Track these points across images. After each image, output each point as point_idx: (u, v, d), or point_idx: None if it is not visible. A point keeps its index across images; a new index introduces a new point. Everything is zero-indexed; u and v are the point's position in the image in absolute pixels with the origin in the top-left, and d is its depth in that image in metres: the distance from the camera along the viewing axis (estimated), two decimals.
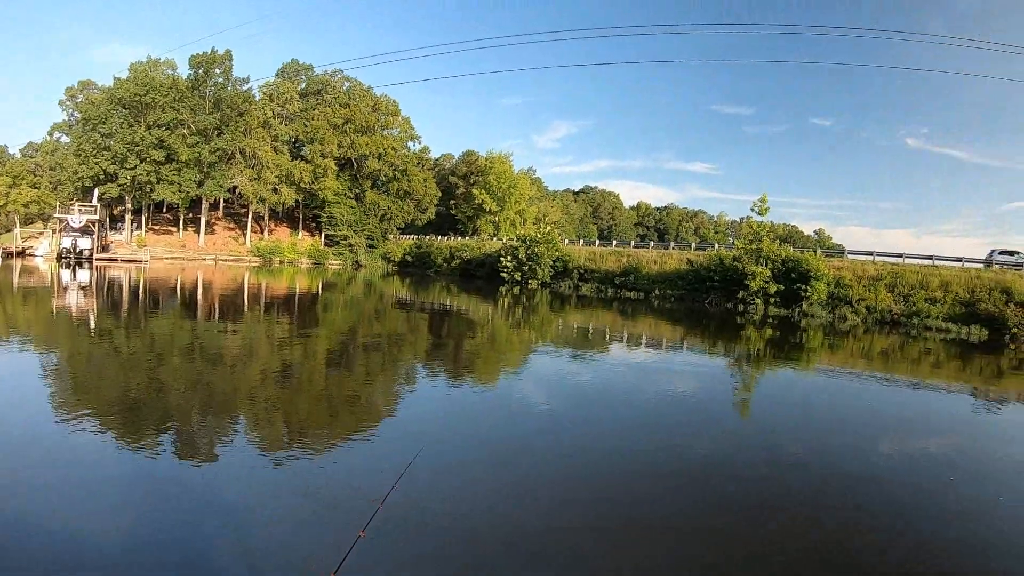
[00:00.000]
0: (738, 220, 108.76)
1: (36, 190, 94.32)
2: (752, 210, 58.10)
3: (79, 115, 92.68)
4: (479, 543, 7.62)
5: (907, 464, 12.30)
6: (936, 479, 11.30)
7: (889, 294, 49.83)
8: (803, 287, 50.87)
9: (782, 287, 52.08)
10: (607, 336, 32.64)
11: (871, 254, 58.74)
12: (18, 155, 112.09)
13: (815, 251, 59.48)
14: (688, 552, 7.78)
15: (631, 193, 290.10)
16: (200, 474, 9.03)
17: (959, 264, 53.77)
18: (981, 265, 53.19)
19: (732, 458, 11.68)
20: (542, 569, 7.13)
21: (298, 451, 10.39)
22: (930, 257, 55.82)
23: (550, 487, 9.64)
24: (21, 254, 75.11)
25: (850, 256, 60.97)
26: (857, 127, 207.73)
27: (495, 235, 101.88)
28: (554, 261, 70.77)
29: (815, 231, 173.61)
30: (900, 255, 56.85)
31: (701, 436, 13.17)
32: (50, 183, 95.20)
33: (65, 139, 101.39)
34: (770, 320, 46.03)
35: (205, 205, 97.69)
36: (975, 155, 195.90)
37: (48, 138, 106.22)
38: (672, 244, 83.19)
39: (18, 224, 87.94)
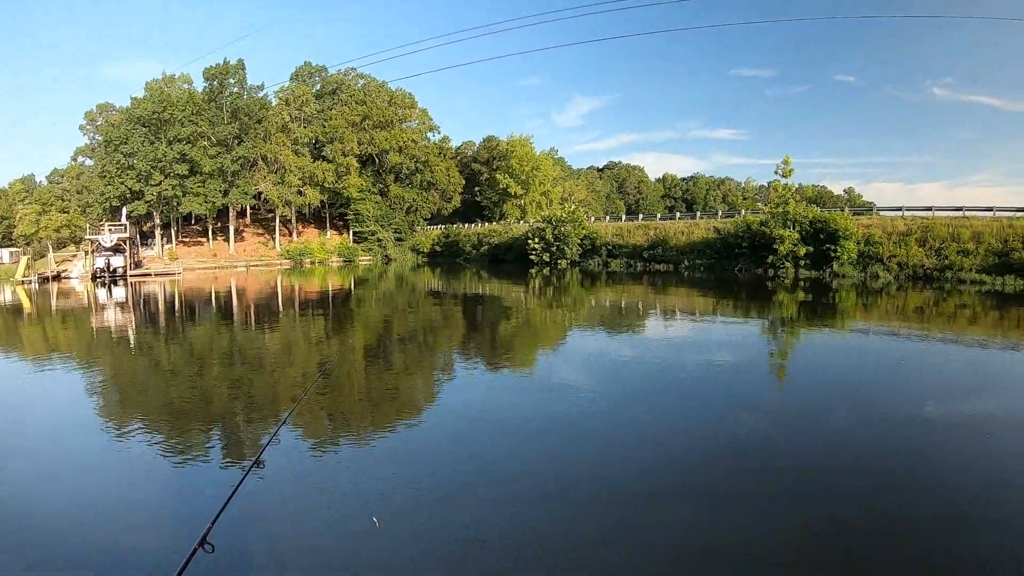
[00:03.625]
0: (766, 185, 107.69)
1: (65, 214, 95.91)
2: (776, 173, 57.64)
3: (100, 138, 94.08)
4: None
5: (951, 428, 12.16)
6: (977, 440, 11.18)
7: (920, 249, 49.16)
8: (832, 247, 50.47)
9: (811, 249, 51.71)
10: (639, 311, 32.65)
11: (900, 209, 57.85)
12: (45, 182, 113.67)
13: (844, 210, 58.90)
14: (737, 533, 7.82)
15: (657, 165, 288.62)
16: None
17: (991, 214, 52.48)
18: (1014, 213, 52.00)
19: (777, 432, 11.67)
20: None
21: (343, 447, 10.58)
22: (960, 208, 54.80)
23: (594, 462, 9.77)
24: (57, 278, 76.14)
25: (880, 213, 60.27)
26: (882, 81, 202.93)
27: (522, 218, 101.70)
28: (581, 240, 70.65)
29: (845, 190, 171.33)
30: (930, 208, 55.86)
31: (750, 411, 13.11)
32: (78, 206, 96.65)
33: (89, 162, 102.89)
34: (801, 283, 45.70)
35: (232, 213, 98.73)
36: (1004, 101, 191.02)
37: (72, 163, 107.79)
38: (699, 214, 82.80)
39: (51, 249, 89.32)
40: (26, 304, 45.71)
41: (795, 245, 51.95)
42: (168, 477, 9.24)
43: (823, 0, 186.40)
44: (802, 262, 52.38)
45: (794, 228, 52.71)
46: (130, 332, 27.96)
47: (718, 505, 8.19)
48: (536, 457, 10.12)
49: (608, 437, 11.10)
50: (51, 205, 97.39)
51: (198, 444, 10.74)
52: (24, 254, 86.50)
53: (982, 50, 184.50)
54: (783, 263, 52.88)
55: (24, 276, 73.98)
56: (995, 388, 15.32)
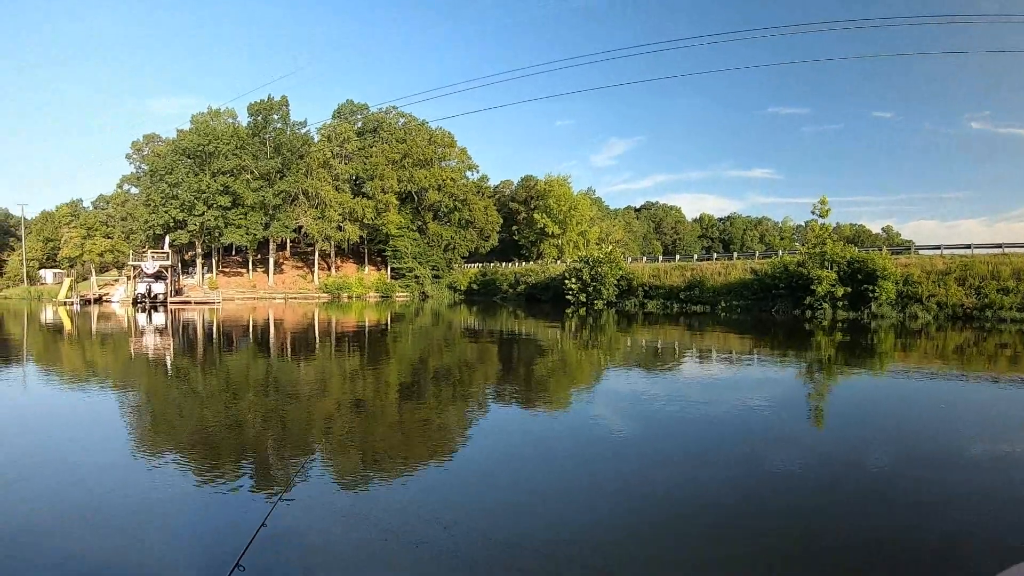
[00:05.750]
0: (803, 224, 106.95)
1: (109, 240, 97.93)
2: (813, 213, 57.35)
3: (146, 167, 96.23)
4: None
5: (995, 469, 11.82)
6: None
7: (960, 288, 48.55)
8: (870, 288, 49.96)
9: (849, 289, 51.24)
10: (676, 352, 32.33)
11: (939, 248, 57.49)
12: (91, 207, 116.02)
13: (882, 249, 58.25)
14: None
15: (693, 205, 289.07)
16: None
17: None
18: None
19: (817, 474, 11.40)
20: None
21: (373, 481, 10.53)
22: (999, 245, 54.23)
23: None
24: (98, 301, 77.86)
25: (918, 252, 59.69)
26: (918, 117, 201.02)
27: (559, 258, 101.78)
28: (618, 280, 70.59)
29: (883, 228, 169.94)
30: (968, 246, 55.28)
31: (786, 451, 12.85)
32: (122, 232, 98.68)
33: (134, 190, 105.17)
34: (839, 324, 45.01)
35: (272, 246, 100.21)
36: None
37: (118, 190, 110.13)
38: (736, 254, 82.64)
39: (94, 272, 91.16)
40: (67, 324, 46.55)
41: (833, 286, 51.47)
42: (199, 502, 9.25)
43: (856, 37, 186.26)
44: (840, 303, 51.83)
45: (832, 268, 52.29)
46: (168, 358, 28.29)
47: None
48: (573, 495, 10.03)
49: (651, 484, 10.95)
50: (96, 230, 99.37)
51: (229, 471, 10.76)
52: (68, 276, 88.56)
53: (1017, 81, 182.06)
54: (820, 304, 52.34)
55: (67, 297, 75.75)
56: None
